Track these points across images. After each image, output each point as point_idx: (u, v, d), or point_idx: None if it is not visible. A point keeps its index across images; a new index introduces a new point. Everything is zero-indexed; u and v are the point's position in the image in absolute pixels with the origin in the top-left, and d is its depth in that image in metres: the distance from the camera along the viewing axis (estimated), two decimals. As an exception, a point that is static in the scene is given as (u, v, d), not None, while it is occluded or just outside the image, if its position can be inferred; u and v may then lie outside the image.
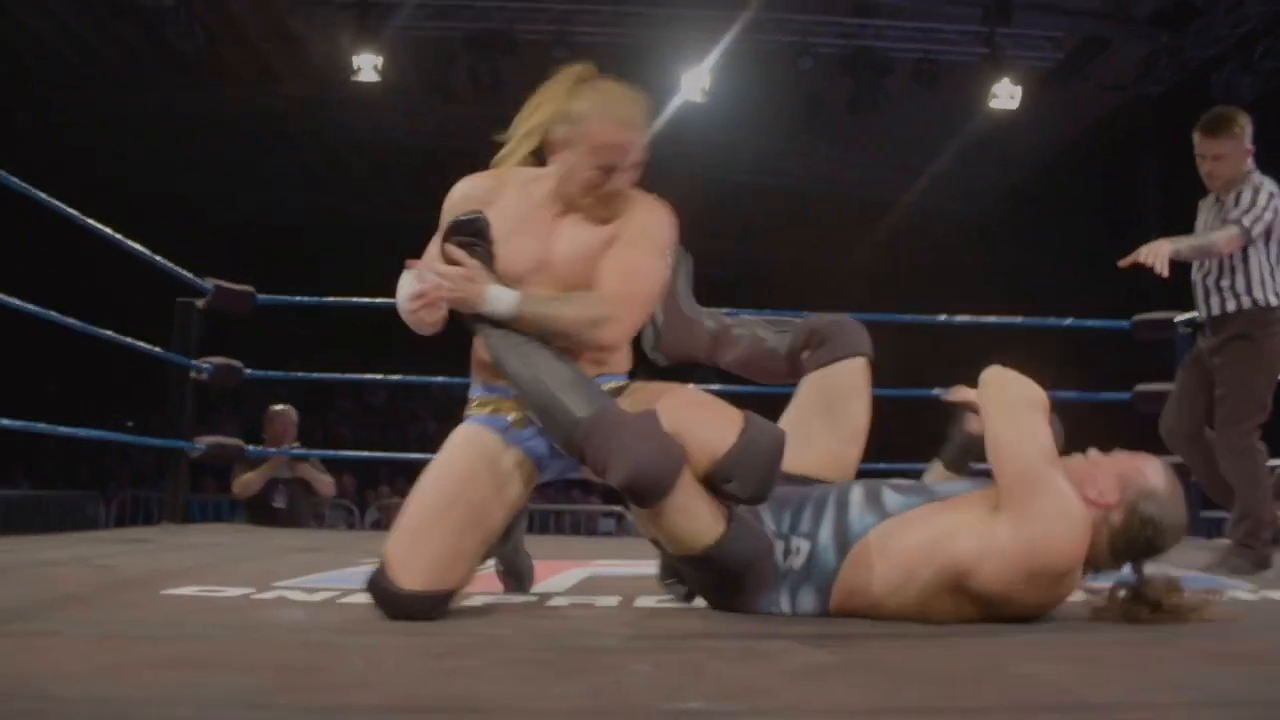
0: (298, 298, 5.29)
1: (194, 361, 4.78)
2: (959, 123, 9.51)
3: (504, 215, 2.04)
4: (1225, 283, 3.39)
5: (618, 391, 2.04)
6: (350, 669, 1.43)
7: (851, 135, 10.16)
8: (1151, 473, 1.94)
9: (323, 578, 2.57)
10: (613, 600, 2.28)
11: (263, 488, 5.37)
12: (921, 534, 1.87)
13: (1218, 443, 3.33)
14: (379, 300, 5.31)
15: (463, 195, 2.10)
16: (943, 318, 5.44)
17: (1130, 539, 1.88)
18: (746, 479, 1.85)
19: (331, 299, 5.38)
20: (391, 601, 1.86)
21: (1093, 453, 1.97)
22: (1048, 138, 10.29)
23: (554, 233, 2.05)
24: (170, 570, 2.66)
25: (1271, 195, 3.37)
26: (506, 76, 9.00)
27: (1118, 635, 1.82)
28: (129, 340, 4.26)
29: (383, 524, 8.11)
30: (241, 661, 1.46)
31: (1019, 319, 5.61)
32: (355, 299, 5.35)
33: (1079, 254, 8.91)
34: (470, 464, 1.98)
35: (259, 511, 5.37)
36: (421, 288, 1.95)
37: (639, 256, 2.03)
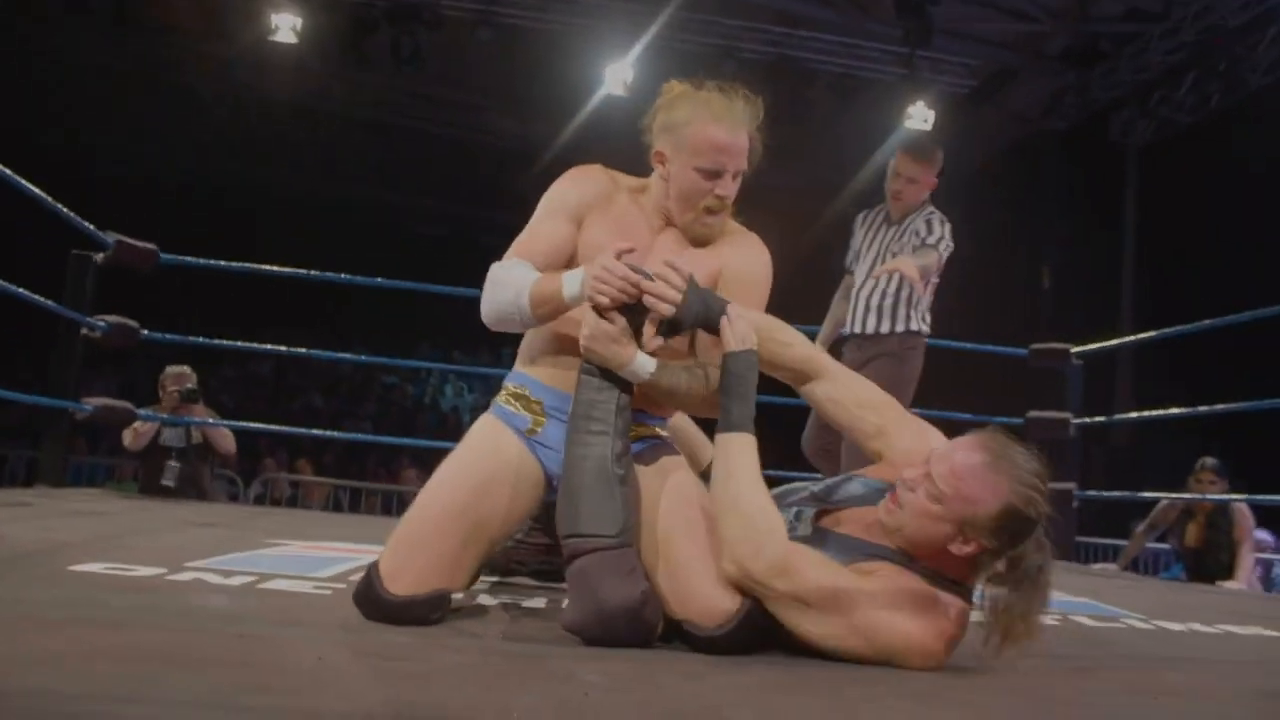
0: (202, 260, 5.08)
1: (87, 318, 4.56)
2: (875, 140, 9.71)
3: (611, 219, 2.00)
4: (888, 304, 3.83)
5: (652, 441, 1.99)
6: (301, 669, 1.38)
7: (769, 143, 10.28)
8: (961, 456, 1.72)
9: (233, 559, 2.47)
10: (540, 601, 2.25)
11: (153, 465, 5.19)
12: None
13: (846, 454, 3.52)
14: (287, 270, 5.22)
15: (578, 188, 2.03)
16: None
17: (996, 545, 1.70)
18: (714, 648, 1.73)
19: (238, 264, 5.19)
20: (383, 609, 1.78)
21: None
22: (958, 162, 10.58)
23: (652, 249, 2.00)
24: (69, 542, 2.53)
25: (949, 230, 3.81)
26: (427, 51, 8.85)
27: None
28: (21, 291, 4.00)
29: (265, 499, 7.89)
30: (183, 655, 1.39)
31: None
32: (264, 266, 5.21)
33: (982, 279, 9.21)
34: (487, 472, 1.91)
35: (150, 484, 5.21)
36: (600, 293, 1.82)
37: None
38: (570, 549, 1.78)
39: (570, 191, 2.04)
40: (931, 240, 3.72)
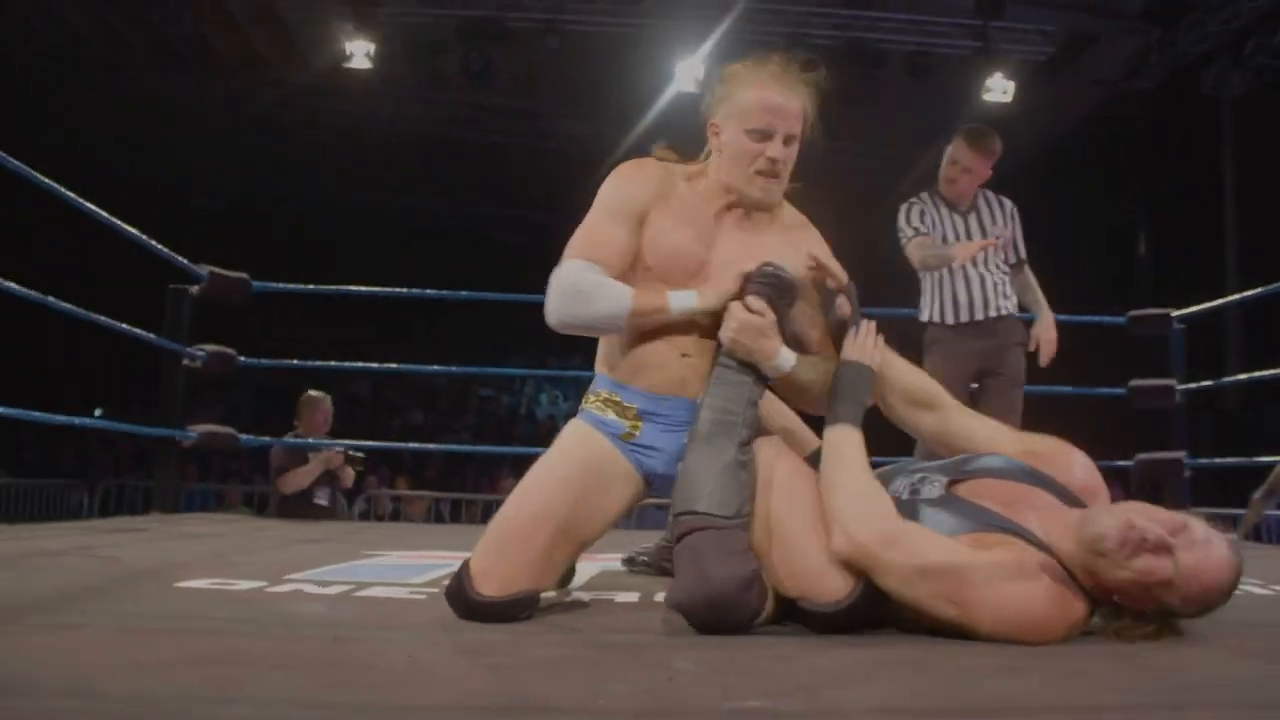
0: (293, 285, 5.21)
1: (187, 349, 4.72)
2: (952, 116, 9.51)
3: (673, 211, 1.99)
4: (1009, 289, 3.95)
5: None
6: (392, 667, 1.40)
7: (844, 127, 10.15)
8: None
9: (332, 570, 2.53)
10: (633, 596, 2.25)
11: (296, 492, 5.18)
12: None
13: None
14: (378, 289, 5.35)
15: (635, 186, 2.00)
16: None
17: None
18: (830, 625, 1.73)
19: (329, 287, 5.32)
20: (471, 609, 1.79)
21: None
22: (1040, 131, 10.30)
23: (716, 234, 2.00)
24: (177, 562, 2.62)
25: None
26: (498, 64, 8.96)
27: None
28: (124, 326, 4.16)
29: (370, 514, 8.06)
30: (279, 658, 1.43)
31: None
32: (354, 287, 5.33)
33: (1071, 249, 8.94)
34: (578, 473, 1.92)
35: (297, 508, 5.15)
36: (736, 343, 1.89)
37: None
38: (683, 526, 1.77)
39: (628, 188, 2.00)
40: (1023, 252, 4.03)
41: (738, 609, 1.69)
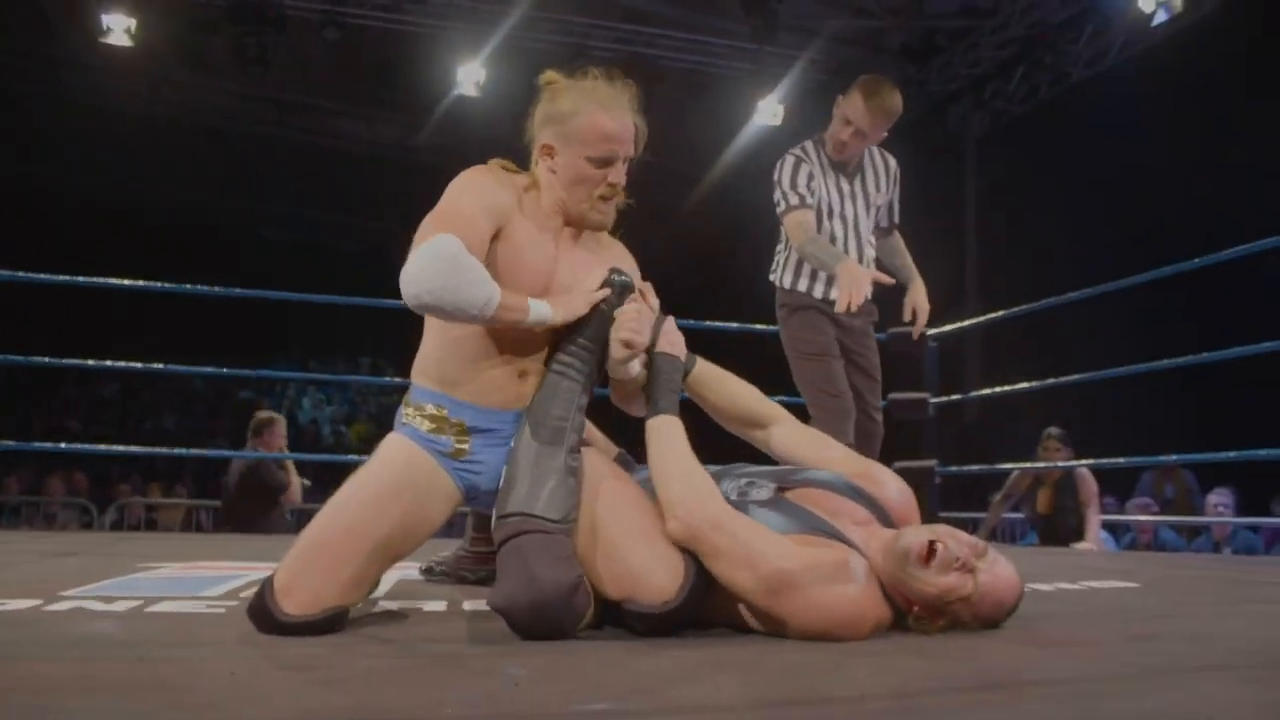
0: (23, 274, 4.64)
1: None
2: (724, 135, 9.90)
3: (524, 227, 1.97)
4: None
5: None
6: (215, 687, 1.34)
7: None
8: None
9: (109, 585, 2.37)
10: (440, 604, 2.23)
11: (264, 505, 5.39)
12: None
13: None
14: (116, 281, 4.85)
15: (498, 192, 1.95)
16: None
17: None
18: (656, 626, 1.76)
19: (65, 278, 4.78)
20: (276, 626, 1.73)
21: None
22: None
23: (557, 252, 2.01)
24: (-75, 579, 2.38)
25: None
26: (272, 54, 8.60)
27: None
28: None
29: (122, 524, 7.53)
30: (86, 684, 1.33)
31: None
32: (94, 279, 4.80)
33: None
34: (397, 492, 1.87)
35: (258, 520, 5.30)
36: (636, 339, 1.95)
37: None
38: (509, 528, 1.77)
39: (494, 192, 1.96)
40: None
41: (563, 613, 1.70)
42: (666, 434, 1.94)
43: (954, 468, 5.60)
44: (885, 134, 3.48)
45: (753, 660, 1.60)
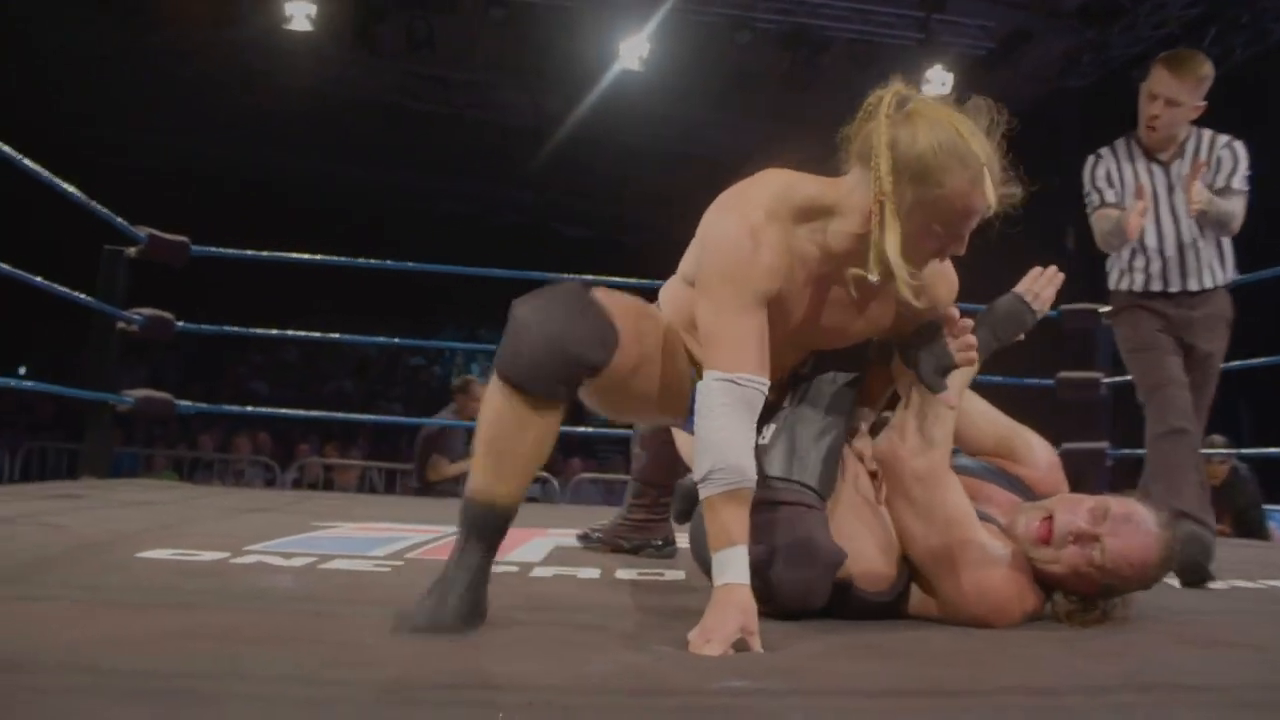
0: (232, 250, 5.11)
1: (123, 312, 4.62)
2: (891, 105, 9.63)
3: (790, 288, 1.77)
4: (1212, 255, 3.15)
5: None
6: (377, 644, 1.42)
7: (783, 111, 10.24)
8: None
9: (291, 542, 2.54)
10: (594, 572, 2.30)
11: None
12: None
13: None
14: (308, 256, 5.25)
15: (766, 259, 1.70)
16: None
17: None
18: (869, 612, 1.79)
19: (267, 253, 5.23)
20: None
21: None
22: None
23: (818, 292, 1.82)
24: (129, 532, 2.59)
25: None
26: (440, 34, 8.85)
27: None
28: (55, 287, 3.99)
29: (302, 482, 7.99)
30: (263, 633, 1.44)
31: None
32: (290, 254, 5.24)
33: (1006, 242, 9.16)
34: None
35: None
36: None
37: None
38: (791, 494, 1.77)
39: (759, 266, 1.69)
40: (1237, 184, 3.04)
41: (825, 588, 1.72)
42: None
43: (1127, 450, 5.35)
44: (1203, 104, 3.06)
45: (902, 647, 1.59)
